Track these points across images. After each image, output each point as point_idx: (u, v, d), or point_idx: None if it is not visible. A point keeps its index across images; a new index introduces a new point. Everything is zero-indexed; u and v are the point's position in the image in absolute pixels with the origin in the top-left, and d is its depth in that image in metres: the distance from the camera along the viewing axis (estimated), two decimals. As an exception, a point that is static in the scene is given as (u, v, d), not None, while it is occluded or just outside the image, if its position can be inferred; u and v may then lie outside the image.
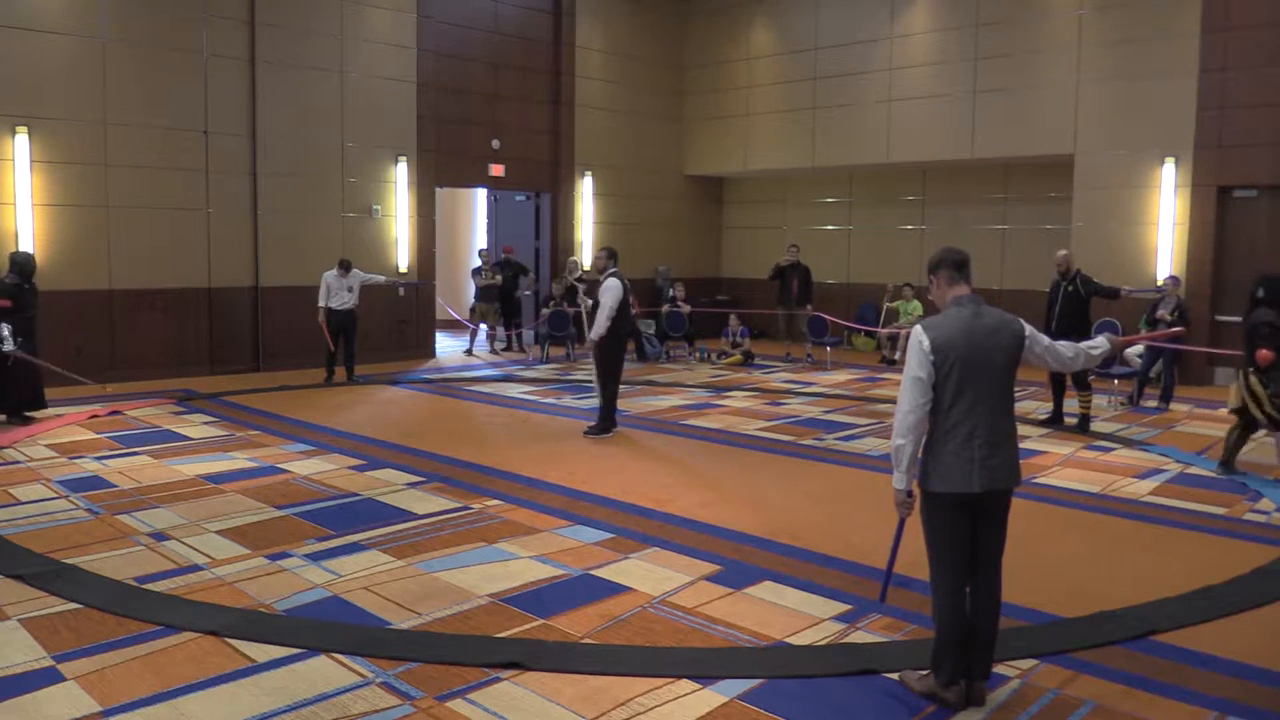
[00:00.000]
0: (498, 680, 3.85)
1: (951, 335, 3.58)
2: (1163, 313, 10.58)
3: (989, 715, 3.62)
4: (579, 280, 14.32)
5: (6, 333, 8.63)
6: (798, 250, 14.66)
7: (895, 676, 3.90)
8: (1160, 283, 9.32)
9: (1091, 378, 9.77)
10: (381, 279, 11.96)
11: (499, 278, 15.07)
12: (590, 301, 8.80)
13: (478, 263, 15.49)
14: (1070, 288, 9.27)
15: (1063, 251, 9.63)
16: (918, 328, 3.67)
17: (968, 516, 3.63)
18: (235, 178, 12.24)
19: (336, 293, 11.57)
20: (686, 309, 14.96)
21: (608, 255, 8.88)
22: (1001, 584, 3.74)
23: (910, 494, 3.70)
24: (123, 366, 11.42)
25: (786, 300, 14.56)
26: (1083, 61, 13.01)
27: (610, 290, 8.56)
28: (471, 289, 15.56)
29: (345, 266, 11.70)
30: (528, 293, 15.42)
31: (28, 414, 9.01)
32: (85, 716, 3.52)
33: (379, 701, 3.66)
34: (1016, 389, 3.77)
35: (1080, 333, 9.34)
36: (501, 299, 15.09)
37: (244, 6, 12.18)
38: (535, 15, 15.54)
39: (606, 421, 8.72)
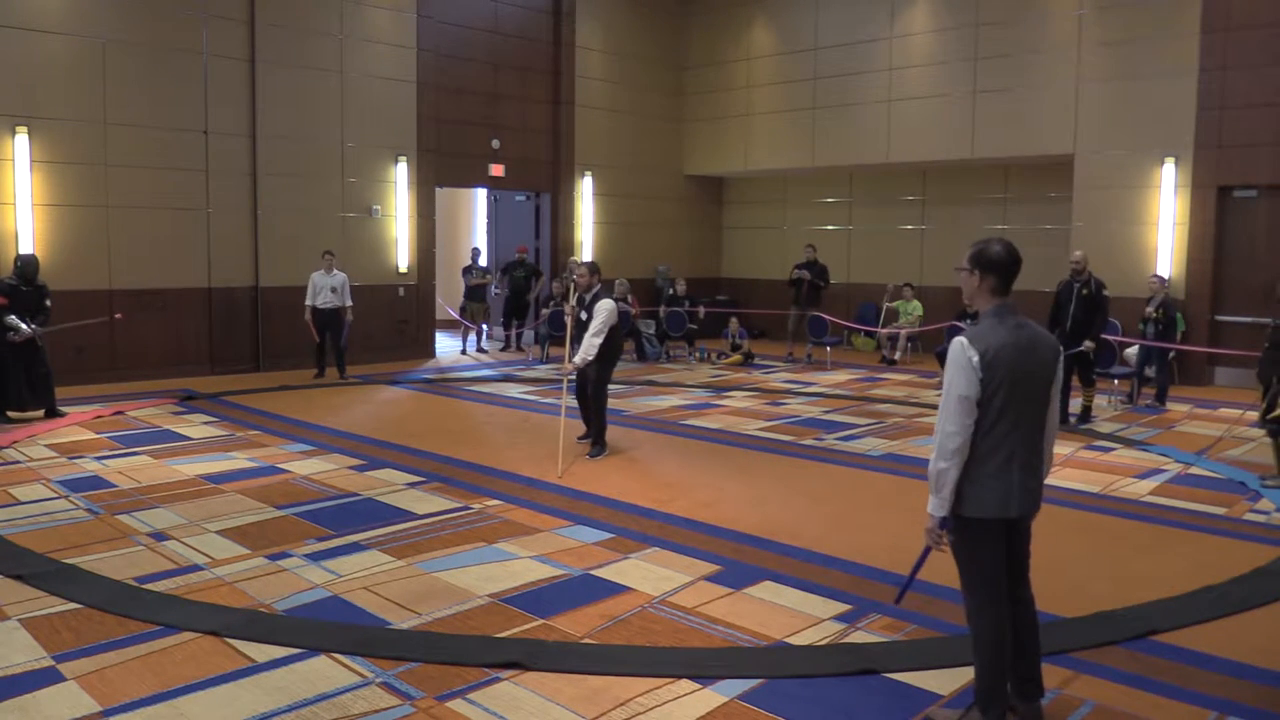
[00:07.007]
0: (498, 680, 3.85)
1: (999, 350, 3.28)
2: (1149, 310, 10.61)
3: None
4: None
5: (13, 320, 8.78)
6: (814, 250, 14.63)
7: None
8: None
9: (1095, 376, 9.75)
10: (349, 310, 11.91)
11: (489, 277, 15.06)
12: (582, 313, 7.93)
13: (481, 262, 15.48)
14: (1085, 290, 9.16)
15: (1079, 252, 9.47)
16: (962, 341, 3.32)
17: (1005, 540, 3.42)
18: (235, 178, 12.24)
19: (321, 291, 11.70)
20: (700, 311, 14.89)
21: (592, 271, 7.97)
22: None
23: (945, 523, 3.35)
24: (123, 366, 11.42)
25: (798, 300, 14.55)
26: (1083, 61, 13.00)
27: (604, 310, 7.69)
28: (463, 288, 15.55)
29: (329, 256, 11.88)
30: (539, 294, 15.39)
31: (11, 414, 8.99)
32: (85, 716, 3.52)
33: (379, 701, 3.66)
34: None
35: (1091, 334, 9.29)
36: (513, 299, 15.07)
37: (244, 6, 12.18)
38: (535, 15, 15.54)
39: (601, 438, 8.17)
